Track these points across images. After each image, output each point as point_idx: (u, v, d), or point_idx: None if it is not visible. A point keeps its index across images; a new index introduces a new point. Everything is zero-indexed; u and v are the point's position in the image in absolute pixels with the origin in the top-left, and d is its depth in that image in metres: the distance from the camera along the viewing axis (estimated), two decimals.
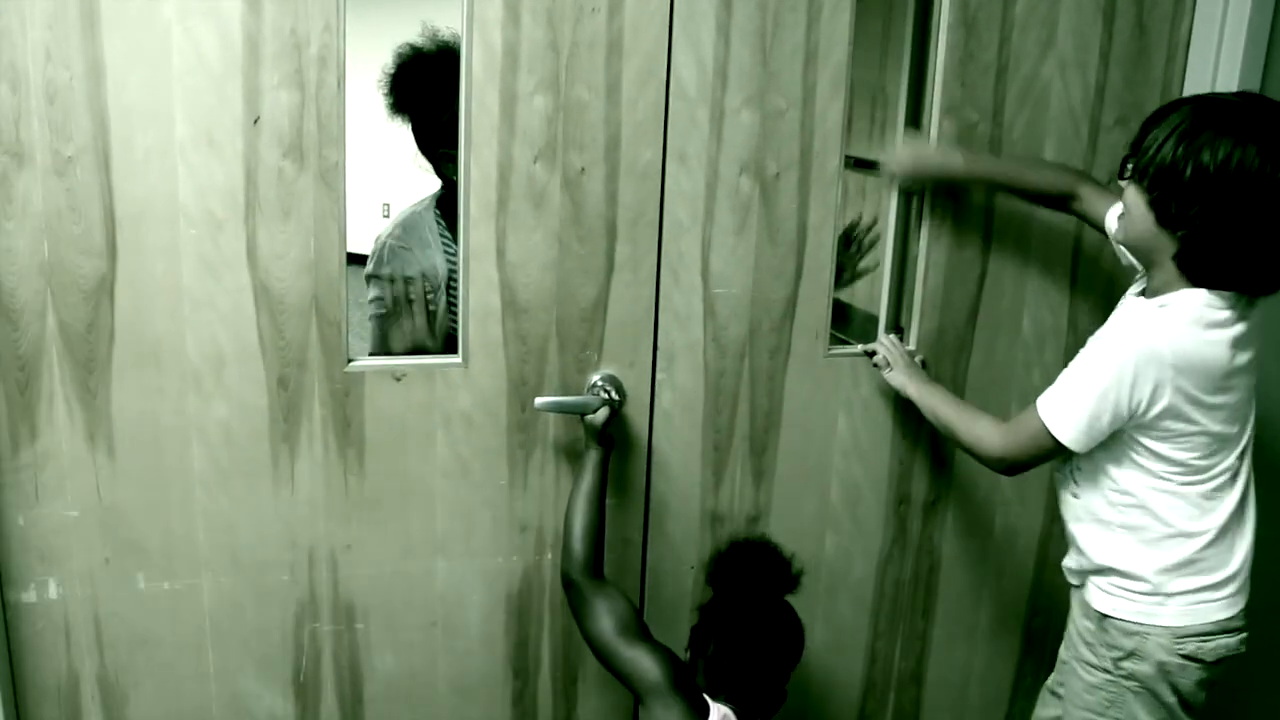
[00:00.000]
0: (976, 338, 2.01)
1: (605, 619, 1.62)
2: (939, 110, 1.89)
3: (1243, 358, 1.54)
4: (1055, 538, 2.13)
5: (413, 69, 2.11)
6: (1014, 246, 1.98)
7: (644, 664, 1.57)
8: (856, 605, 2.09)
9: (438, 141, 2.09)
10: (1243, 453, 1.61)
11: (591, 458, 1.72)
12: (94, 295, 1.58)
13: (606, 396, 1.76)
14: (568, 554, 1.68)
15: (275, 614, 1.77)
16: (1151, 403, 1.51)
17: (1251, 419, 1.62)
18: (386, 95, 2.13)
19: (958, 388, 2.01)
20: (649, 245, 1.78)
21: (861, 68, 2.87)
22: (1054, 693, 1.84)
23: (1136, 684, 1.62)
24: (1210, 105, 1.47)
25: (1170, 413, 1.52)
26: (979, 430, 1.70)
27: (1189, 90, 2.04)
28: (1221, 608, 1.61)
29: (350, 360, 1.70)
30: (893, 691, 2.18)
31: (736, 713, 1.59)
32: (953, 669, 2.20)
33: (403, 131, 2.19)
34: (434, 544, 1.81)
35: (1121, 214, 1.57)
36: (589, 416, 1.73)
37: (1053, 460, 1.68)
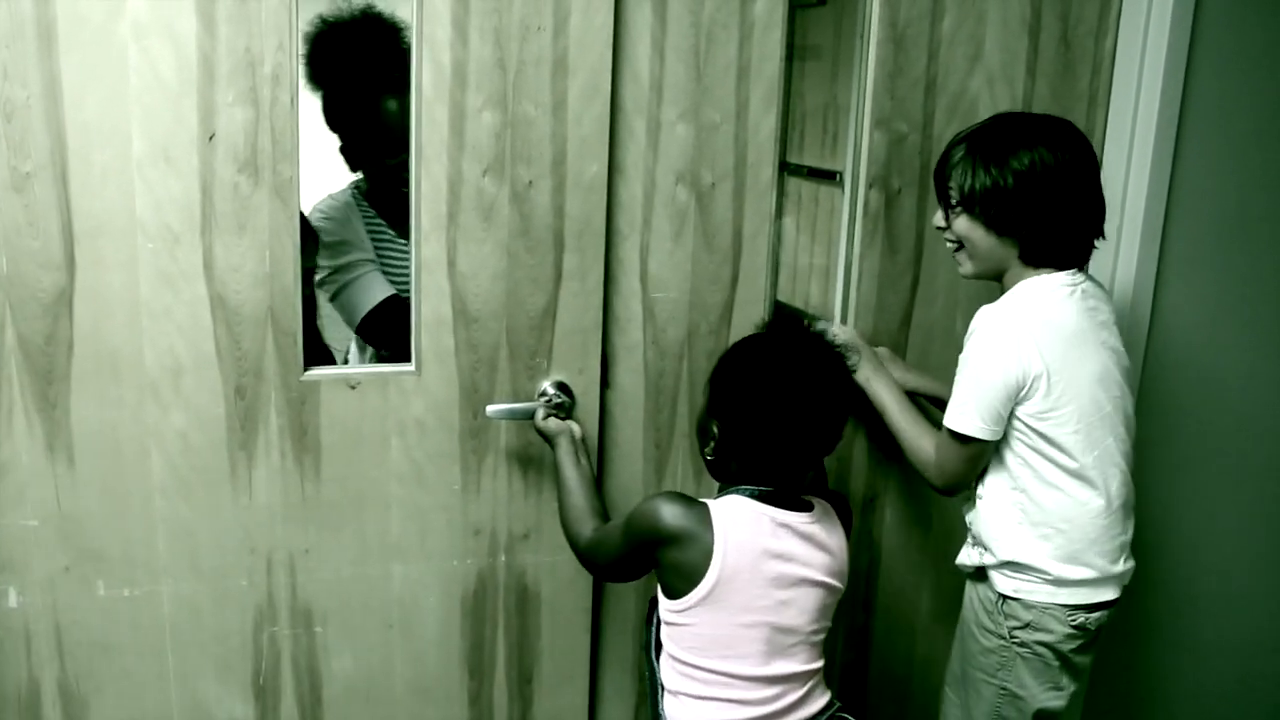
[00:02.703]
0: (910, 341, 2.10)
1: (606, 537, 1.63)
2: (870, 122, 1.98)
3: (1099, 332, 1.74)
4: None
5: (323, 41, 2.13)
6: (945, 255, 2.05)
7: (637, 511, 1.55)
8: None
9: (346, 117, 2.14)
10: (1119, 449, 1.76)
11: (557, 456, 1.77)
12: (53, 308, 1.62)
13: (546, 399, 1.82)
14: (575, 539, 1.70)
15: (234, 619, 1.81)
16: (1030, 370, 1.68)
17: (1126, 419, 1.78)
18: (305, 69, 2.11)
19: None
20: (595, 255, 1.84)
21: (814, 79, 2.94)
22: None
23: (1028, 651, 1.78)
24: (982, 133, 1.73)
25: (1047, 379, 1.68)
26: (922, 455, 1.83)
27: (1115, 102, 2.13)
28: (1109, 591, 1.79)
29: (306, 369, 1.75)
30: (835, 684, 2.23)
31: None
32: (895, 661, 2.27)
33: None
34: (390, 548, 1.86)
35: (956, 252, 1.79)
36: (538, 423, 1.79)
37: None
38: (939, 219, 1.79)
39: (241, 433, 1.74)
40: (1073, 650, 1.77)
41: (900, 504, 2.18)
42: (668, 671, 1.57)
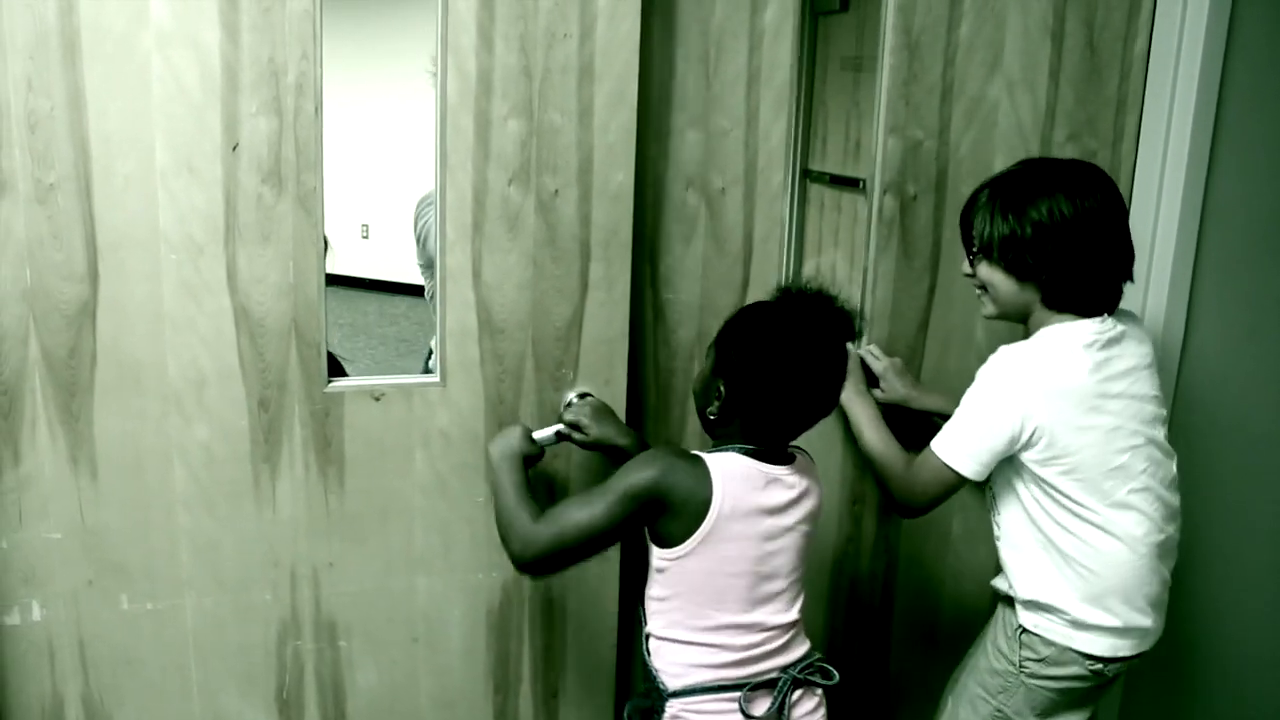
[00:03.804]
0: (928, 346, 2.10)
1: (573, 509, 1.52)
2: (884, 129, 1.98)
3: (1116, 384, 1.70)
4: None
5: None
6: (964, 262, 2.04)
7: (633, 468, 1.51)
8: (813, 600, 2.13)
9: None
10: (1143, 491, 1.71)
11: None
12: (76, 320, 1.60)
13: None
14: (521, 538, 1.56)
15: (258, 632, 1.79)
16: (1030, 423, 1.67)
17: (1154, 465, 1.73)
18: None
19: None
20: (622, 265, 1.82)
21: (836, 86, 2.91)
22: None
23: (1035, 682, 1.76)
24: (1008, 180, 1.72)
25: (1049, 434, 1.67)
26: (891, 469, 1.84)
27: (1149, 108, 2.10)
28: (1133, 647, 1.75)
29: (329, 381, 1.73)
30: (855, 687, 2.23)
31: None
32: (915, 666, 2.26)
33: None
34: (414, 561, 1.84)
35: (980, 294, 1.79)
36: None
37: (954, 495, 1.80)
38: (964, 265, 1.80)
39: (265, 445, 1.72)
40: (1085, 689, 1.75)
41: None
42: (654, 617, 1.58)
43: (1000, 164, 2.01)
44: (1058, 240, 1.66)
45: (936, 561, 2.21)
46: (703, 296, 1.94)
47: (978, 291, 1.80)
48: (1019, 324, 1.79)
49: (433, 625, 1.88)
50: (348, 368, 2.13)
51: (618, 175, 1.78)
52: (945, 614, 2.25)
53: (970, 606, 2.21)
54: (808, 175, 3.40)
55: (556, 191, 1.76)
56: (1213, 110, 2.08)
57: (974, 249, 1.75)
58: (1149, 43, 2.08)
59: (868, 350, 2.04)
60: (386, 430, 1.77)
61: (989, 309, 1.79)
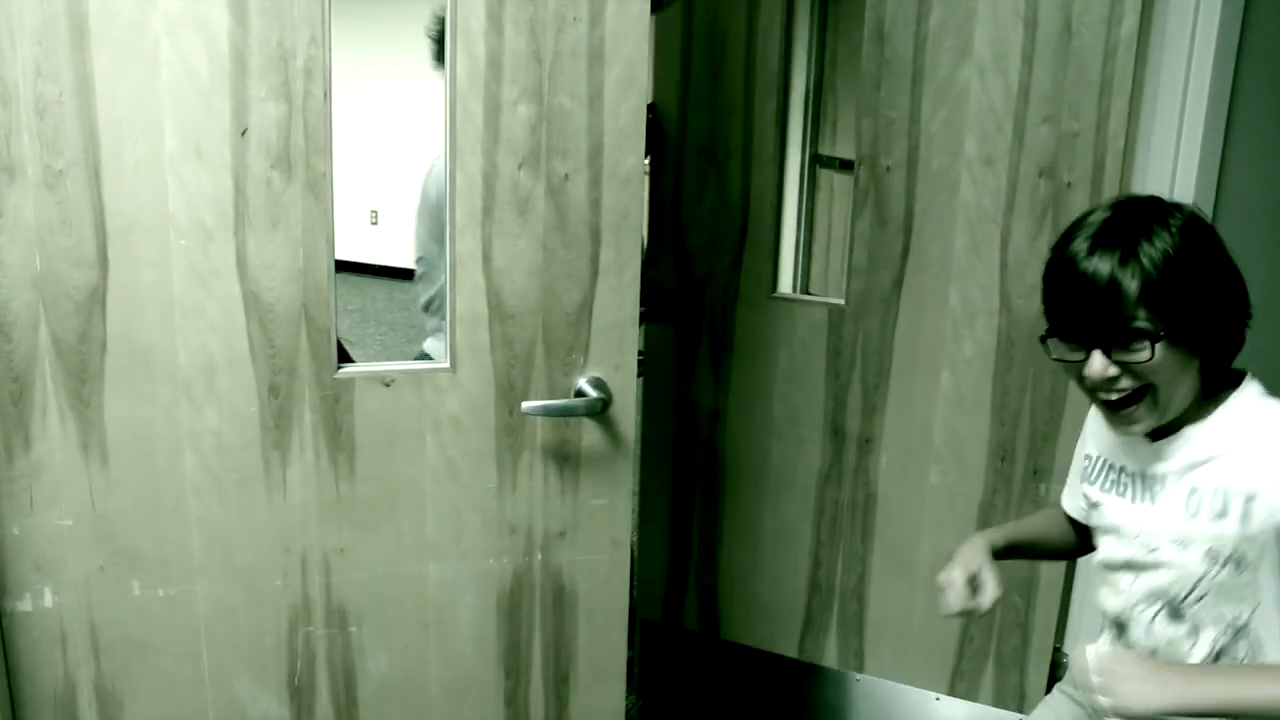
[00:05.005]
0: (902, 307, 2.33)
1: None
2: (859, 110, 2.23)
3: None
4: (998, 509, 2.35)
5: None
6: (935, 230, 2.28)
7: None
8: (800, 510, 2.57)
9: None
10: None
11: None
12: (86, 306, 1.60)
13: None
14: None
15: (269, 619, 1.79)
16: None
17: None
18: (433, 43, 2.13)
19: (884, 348, 2.39)
20: (632, 249, 1.81)
21: (845, 74, 2.90)
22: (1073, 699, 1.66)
23: None
24: (1103, 232, 1.30)
25: None
26: None
27: (1162, 92, 2.08)
28: None
29: (340, 367, 1.73)
30: (836, 600, 2.51)
31: None
32: (894, 596, 2.47)
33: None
34: (425, 547, 1.84)
35: (1130, 407, 1.33)
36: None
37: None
38: (1100, 368, 1.29)
39: (275, 431, 1.72)
40: None
41: (895, 453, 2.38)
42: None
43: (972, 142, 2.17)
44: (1213, 282, 1.30)
45: (917, 507, 2.38)
46: (710, 240, 2.47)
47: (1113, 395, 1.31)
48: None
49: (443, 611, 1.88)
50: (354, 352, 2.12)
51: (628, 159, 1.77)
52: (923, 559, 2.39)
53: (949, 556, 2.25)
54: (818, 160, 3.40)
55: (566, 176, 1.75)
56: (1225, 104, 2.07)
57: (1138, 324, 1.26)
58: (1139, 23, 2.08)
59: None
60: (397, 416, 1.77)
61: (1149, 420, 1.33)
